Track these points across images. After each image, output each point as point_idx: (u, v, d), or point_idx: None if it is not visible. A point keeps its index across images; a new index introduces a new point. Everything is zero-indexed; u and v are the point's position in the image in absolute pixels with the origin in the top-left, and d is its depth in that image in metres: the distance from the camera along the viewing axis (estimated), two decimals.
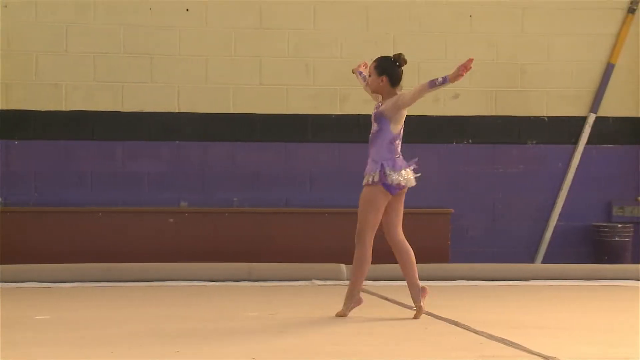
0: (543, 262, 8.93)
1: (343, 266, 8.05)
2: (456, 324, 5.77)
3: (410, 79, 9.11)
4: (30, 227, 8.49)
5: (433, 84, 5.43)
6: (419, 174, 5.58)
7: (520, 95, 9.00)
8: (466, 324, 5.69)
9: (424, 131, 8.94)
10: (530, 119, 9.04)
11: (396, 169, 5.54)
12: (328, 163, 9.12)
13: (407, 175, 5.54)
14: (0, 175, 8.64)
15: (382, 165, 5.52)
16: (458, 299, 7.08)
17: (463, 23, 8.97)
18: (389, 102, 5.54)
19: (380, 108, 5.59)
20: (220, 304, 7.15)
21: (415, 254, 8.31)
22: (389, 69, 5.57)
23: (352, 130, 8.99)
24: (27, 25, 8.45)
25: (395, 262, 7.95)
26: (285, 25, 8.74)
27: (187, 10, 8.71)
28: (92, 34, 8.46)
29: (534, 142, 9.06)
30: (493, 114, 9.06)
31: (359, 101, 8.90)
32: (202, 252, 8.52)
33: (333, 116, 8.97)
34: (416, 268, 5.74)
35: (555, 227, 9.11)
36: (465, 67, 5.30)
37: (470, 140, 8.99)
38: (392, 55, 5.62)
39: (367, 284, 8.00)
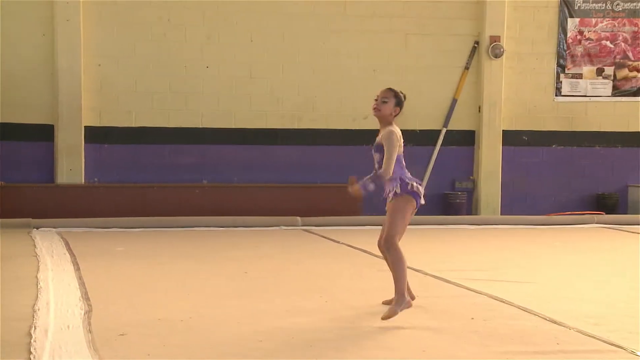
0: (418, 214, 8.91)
1: (298, 218, 9.54)
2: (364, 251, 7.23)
3: None
4: (115, 198, 9.94)
5: (374, 180, 4.88)
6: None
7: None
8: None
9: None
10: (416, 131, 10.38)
11: (412, 180, 5.04)
12: None
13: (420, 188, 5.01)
14: (94, 164, 10.07)
15: (400, 178, 4.96)
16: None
17: None
18: (384, 136, 4.96)
19: (379, 140, 5.02)
20: (218, 242, 8.18)
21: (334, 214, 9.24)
22: (402, 105, 5.10)
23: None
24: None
25: None
26: None
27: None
28: None
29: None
30: None
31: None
32: (218, 210, 9.61)
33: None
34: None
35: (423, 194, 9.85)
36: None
37: None
38: (401, 92, 5.10)
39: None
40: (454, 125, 10.94)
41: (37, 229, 9.07)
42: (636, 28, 11.66)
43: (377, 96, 5.07)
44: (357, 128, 10.68)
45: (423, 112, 10.74)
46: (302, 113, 10.62)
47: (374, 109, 5.04)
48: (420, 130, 10.86)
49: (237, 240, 8.46)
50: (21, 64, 9.93)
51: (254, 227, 9.47)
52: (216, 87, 10.48)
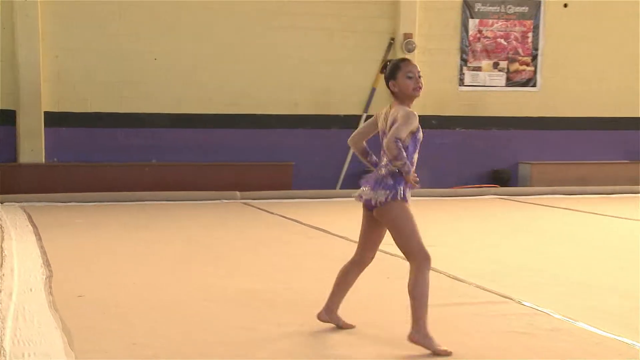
0: (341, 188, 10.33)
1: (237, 193, 9.42)
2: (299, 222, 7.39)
3: None
4: (73, 175, 9.63)
5: (398, 156, 3.35)
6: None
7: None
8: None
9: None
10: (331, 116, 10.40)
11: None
12: None
13: None
14: (53, 145, 9.73)
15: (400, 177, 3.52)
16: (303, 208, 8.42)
17: None
18: (400, 114, 3.55)
19: (395, 117, 3.54)
20: (166, 214, 8.13)
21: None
22: None
23: None
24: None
25: None
26: None
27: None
28: None
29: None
30: None
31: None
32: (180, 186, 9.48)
33: None
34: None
35: (347, 170, 10.62)
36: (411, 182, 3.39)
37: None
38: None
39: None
40: (373, 110, 10.42)
41: (1, 203, 8.82)
42: (525, 28, 11.92)
43: (414, 73, 3.49)
44: (290, 113, 10.68)
45: (346, 99, 10.81)
46: (241, 100, 10.48)
47: (420, 89, 3.51)
48: (344, 115, 10.91)
49: (183, 212, 8.46)
50: None
51: (198, 201, 9.41)
52: (164, 76, 10.26)
